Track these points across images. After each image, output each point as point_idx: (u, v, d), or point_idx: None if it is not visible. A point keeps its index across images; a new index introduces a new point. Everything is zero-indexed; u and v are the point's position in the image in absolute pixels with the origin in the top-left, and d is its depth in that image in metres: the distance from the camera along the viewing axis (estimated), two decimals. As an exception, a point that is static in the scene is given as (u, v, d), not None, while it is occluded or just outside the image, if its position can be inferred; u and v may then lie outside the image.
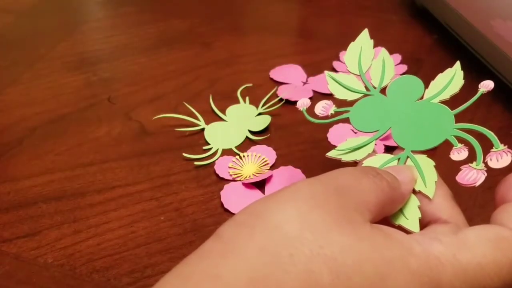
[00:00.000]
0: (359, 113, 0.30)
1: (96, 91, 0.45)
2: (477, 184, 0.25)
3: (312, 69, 0.47)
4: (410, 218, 0.25)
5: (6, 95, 0.44)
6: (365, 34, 0.32)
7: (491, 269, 0.22)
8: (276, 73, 0.46)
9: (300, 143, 0.40)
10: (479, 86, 0.27)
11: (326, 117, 0.31)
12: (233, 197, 0.35)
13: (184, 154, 0.38)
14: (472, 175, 0.25)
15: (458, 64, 0.29)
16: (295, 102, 0.43)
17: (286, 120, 0.42)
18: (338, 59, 0.48)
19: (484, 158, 0.25)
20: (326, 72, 0.32)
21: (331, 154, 0.29)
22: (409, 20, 0.53)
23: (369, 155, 0.28)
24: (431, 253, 0.22)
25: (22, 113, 0.43)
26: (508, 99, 0.42)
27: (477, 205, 0.35)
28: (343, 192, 0.23)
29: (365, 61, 0.31)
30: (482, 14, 0.42)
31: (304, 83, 0.45)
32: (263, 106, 0.43)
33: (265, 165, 0.37)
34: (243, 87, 0.45)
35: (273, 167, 0.37)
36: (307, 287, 0.20)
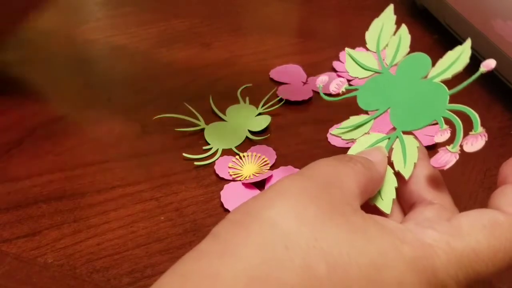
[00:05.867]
0: (366, 91, 0.30)
1: (96, 91, 0.45)
2: (446, 167, 0.25)
3: (312, 69, 0.47)
4: (385, 198, 0.26)
5: (6, 95, 0.44)
6: (389, 10, 0.32)
7: (485, 256, 0.22)
8: (276, 73, 0.46)
9: (300, 143, 0.40)
10: (481, 65, 0.27)
11: (338, 95, 0.31)
12: (233, 197, 0.35)
13: (184, 154, 0.38)
14: (445, 158, 0.25)
15: (468, 41, 0.28)
16: (295, 102, 0.43)
17: (286, 120, 0.42)
18: (338, 59, 0.48)
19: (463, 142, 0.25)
20: (346, 48, 0.32)
21: (335, 132, 0.30)
22: (409, 20, 0.53)
23: (364, 134, 0.29)
24: (424, 242, 0.22)
25: (22, 113, 0.43)
26: (508, 99, 0.42)
27: (477, 205, 0.35)
28: (328, 185, 0.23)
29: (384, 38, 0.31)
30: (482, 14, 0.42)
31: (304, 83, 0.45)
32: (263, 106, 0.43)
33: (265, 165, 0.37)
34: (243, 87, 0.45)
35: (273, 167, 0.37)
36: (306, 282, 0.20)
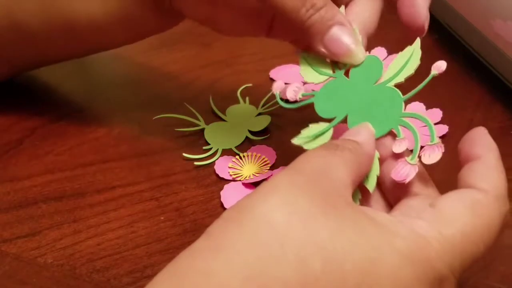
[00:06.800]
0: (322, 97, 0.29)
1: (96, 91, 0.45)
2: (407, 180, 0.25)
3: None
4: (369, 176, 0.26)
5: (6, 94, 0.44)
6: (341, 11, 0.32)
7: (474, 236, 0.22)
8: (276, 73, 0.46)
9: (300, 143, 0.39)
10: (432, 68, 0.26)
11: (296, 101, 0.30)
12: (233, 197, 0.35)
13: (184, 154, 0.38)
14: (405, 170, 0.25)
15: (417, 42, 0.28)
16: (295, 102, 0.43)
17: (286, 120, 0.42)
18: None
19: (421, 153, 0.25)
20: (301, 52, 0.31)
21: (296, 142, 0.29)
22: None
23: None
24: (417, 233, 0.22)
25: (22, 113, 0.43)
26: (508, 99, 0.42)
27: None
28: (318, 177, 0.23)
29: None
30: (482, 14, 0.42)
31: (304, 83, 0.45)
32: (263, 106, 0.43)
33: (265, 165, 0.37)
34: (243, 87, 0.45)
35: (273, 167, 0.37)
36: (302, 277, 0.20)
